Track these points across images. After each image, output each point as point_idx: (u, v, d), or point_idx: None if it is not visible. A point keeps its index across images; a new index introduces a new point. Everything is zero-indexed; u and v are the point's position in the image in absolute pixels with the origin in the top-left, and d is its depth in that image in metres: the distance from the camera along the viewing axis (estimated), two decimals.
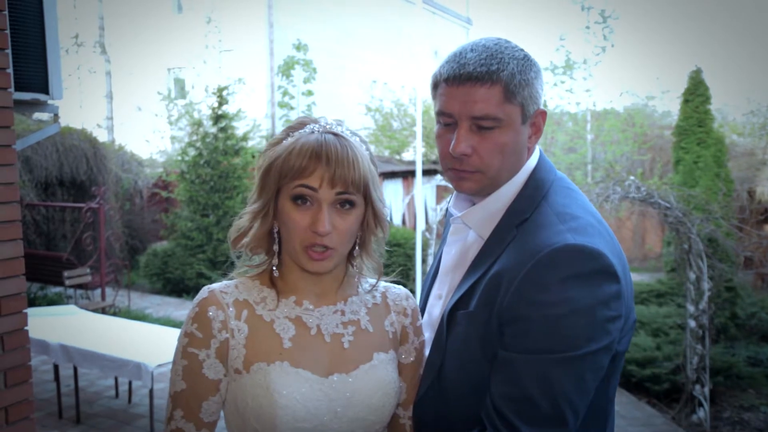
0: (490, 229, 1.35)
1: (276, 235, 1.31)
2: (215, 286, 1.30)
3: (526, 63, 1.30)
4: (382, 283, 1.44)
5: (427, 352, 1.42)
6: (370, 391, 1.28)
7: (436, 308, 1.45)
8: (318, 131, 1.26)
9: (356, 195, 1.25)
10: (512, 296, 1.20)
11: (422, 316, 1.51)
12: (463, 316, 1.30)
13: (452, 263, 1.44)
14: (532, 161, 1.38)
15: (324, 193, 1.23)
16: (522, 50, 1.32)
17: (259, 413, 1.21)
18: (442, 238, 1.58)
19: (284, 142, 1.28)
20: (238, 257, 1.37)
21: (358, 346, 1.31)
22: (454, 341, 1.31)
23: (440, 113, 1.32)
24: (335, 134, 1.26)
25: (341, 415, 1.25)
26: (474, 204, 1.42)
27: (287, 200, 1.25)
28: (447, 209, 1.54)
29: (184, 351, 1.26)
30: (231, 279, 1.35)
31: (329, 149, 1.23)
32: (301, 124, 1.30)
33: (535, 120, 1.35)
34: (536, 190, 1.33)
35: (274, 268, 1.32)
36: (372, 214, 1.31)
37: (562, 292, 1.17)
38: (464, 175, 1.32)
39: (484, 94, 1.26)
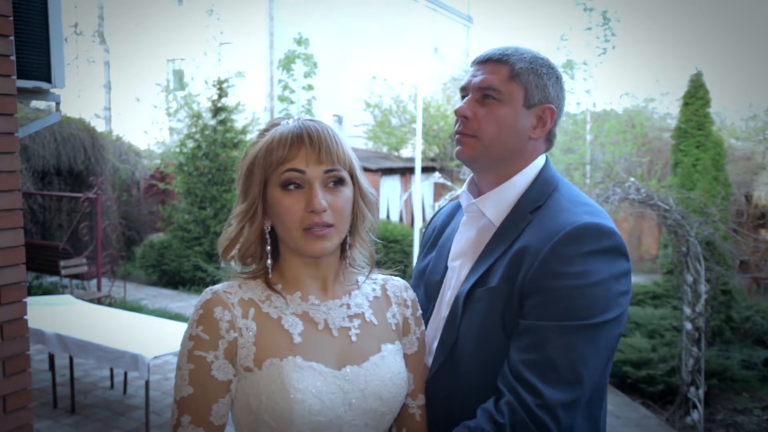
0: (503, 216, 1.43)
1: (268, 236, 1.30)
2: (218, 287, 1.28)
3: (541, 60, 1.43)
4: (381, 276, 1.44)
5: (439, 333, 1.46)
6: (382, 381, 1.29)
7: (447, 291, 1.50)
8: (294, 121, 1.28)
9: (344, 172, 1.26)
10: (536, 270, 1.28)
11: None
12: (483, 292, 1.36)
13: (463, 249, 1.50)
14: (539, 161, 1.47)
15: (312, 172, 1.23)
16: (544, 56, 1.45)
17: (273, 409, 1.20)
18: (441, 231, 1.64)
19: (261, 141, 1.28)
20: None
21: (365, 338, 1.32)
22: (472, 318, 1.37)
23: (460, 90, 1.48)
24: (312, 120, 1.29)
25: (355, 407, 1.25)
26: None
27: (276, 189, 1.24)
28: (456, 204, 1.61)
29: (190, 355, 1.23)
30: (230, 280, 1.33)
31: (310, 131, 1.24)
32: (273, 124, 1.31)
33: (542, 114, 1.43)
34: (546, 184, 1.44)
35: (269, 269, 1.30)
36: (361, 196, 1.32)
37: (583, 265, 1.26)
38: (462, 138, 1.44)
39: (492, 69, 1.42)
